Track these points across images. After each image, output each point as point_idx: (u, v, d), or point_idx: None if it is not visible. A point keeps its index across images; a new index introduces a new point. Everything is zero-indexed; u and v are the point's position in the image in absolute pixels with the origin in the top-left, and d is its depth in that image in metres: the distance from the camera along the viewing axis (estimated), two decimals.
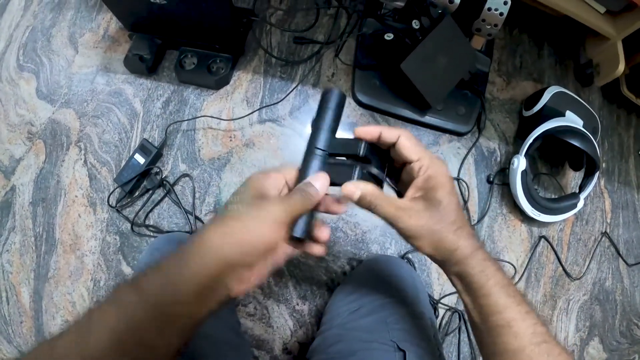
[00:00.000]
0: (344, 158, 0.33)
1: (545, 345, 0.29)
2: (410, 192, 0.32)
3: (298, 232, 0.29)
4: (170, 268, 0.26)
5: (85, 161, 0.71)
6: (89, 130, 0.72)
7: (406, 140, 0.31)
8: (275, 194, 0.30)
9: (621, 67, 0.74)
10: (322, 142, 0.32)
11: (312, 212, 0.31)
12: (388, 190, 0.35)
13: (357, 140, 0.32)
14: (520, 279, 0.66)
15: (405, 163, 0.32)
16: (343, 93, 0.34)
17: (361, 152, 0.31)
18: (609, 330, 0.73)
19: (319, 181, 0.30)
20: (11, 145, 0.74)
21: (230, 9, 0.57)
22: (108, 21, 0.78)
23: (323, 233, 0.31)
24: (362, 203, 0.31)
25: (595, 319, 0.72)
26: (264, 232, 0.27)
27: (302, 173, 0.31)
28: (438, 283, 0.61)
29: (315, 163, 0.31)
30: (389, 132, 0.31)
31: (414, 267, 0.59)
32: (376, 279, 0.50)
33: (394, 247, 0.60)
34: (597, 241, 0.72)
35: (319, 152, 0.32)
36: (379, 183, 0.33)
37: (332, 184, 0.31)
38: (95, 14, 0.81)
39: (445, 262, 0.32)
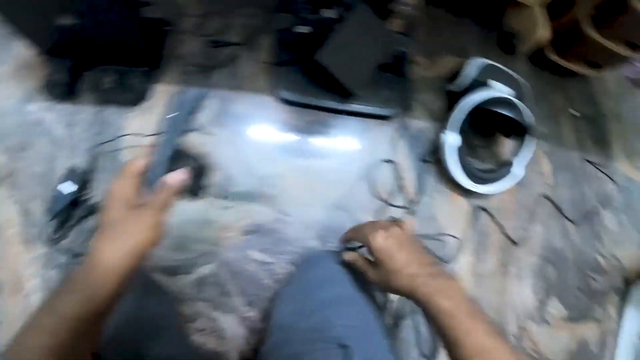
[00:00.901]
0: None
1: None
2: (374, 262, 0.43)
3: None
4: (79, 290, 0.31)
5: (16, 199, 0.68)
6: (16, 164, 0.69)
7: (354, 235, 0.47)
8: (138, 197, 0.37)
9: (544, 33, 0.76)
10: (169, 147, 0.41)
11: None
12: None
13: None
14: (467, 252, 0.67)
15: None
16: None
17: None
18: (565, 288, 0.75)
19: (173, 178, 0.38)
20: None
21: (139, 23, 0.55)
22: (23, 49, 0.75)
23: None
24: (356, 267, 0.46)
25: (550, 280, 0.74)
26: (149, 234, 0.34)
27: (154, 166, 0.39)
28: None
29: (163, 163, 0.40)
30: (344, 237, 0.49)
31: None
32: (315, 276, 0.49)
33: (334, 241, 0.60)
34: (539, 204, 0.74)
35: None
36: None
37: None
38: (8, 44, 0.77)
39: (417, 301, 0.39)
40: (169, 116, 0.41)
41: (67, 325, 0.29)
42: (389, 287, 0.41)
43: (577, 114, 0.81)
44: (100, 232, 0.34)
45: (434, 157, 0.66)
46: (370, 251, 0.42)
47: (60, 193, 0.63)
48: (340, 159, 0.63)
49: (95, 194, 0.63)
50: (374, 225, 0.44)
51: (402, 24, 0.66)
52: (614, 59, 0.83)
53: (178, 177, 0.38)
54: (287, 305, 0.49)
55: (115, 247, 0.32)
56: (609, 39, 0.78)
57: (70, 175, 0.63)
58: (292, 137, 0.63)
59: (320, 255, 0.55)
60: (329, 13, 0.58)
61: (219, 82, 0.63)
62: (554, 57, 0.82)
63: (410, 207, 0.63)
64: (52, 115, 0.69)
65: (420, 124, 0.67)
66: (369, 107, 0.61)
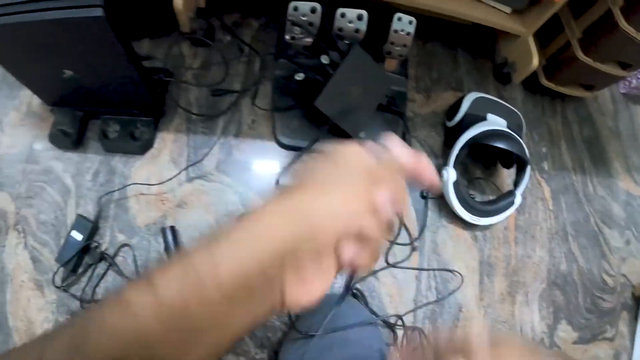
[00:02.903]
0: None
1: None
2: None
3: None
4: (199, 255, 0.19)
5: (25, 244, 0.69)
6: (25, 212, 0.71)
7: None
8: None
9: (536, 61, 0.77)
10: None
11: None
12: None
13: None
14: (472, 284, 0.68)
15: None
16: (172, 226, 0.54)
17: None
18: (574, 310, 0.75)
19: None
20: None
21: (141, 75, 0.57)
22: (30, 97, 0.77)
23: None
24: None
25: (558, 303, 0.74)
26: (346, 202, 0.21)
27: None
28: (391, 306, 0.62)
29: None
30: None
31: (364, 297, 0.60)
32: (317, 323, 0.50)
33: (340, 280, 0.61)
34: (542, 229, 0.75)
35: None
36: None
37: None
38: (16, 91, 0.80)
39: None
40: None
41: (159, 312, 0.18)
42: None
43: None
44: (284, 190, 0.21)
45: (436, 193, 0.67)
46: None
47: (70, 241, 0.65)
48: None
49: (104, 242, 0.64)
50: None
51: (397, 63, 0.67)
52: (607, 79, 0.85)
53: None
54: (292, 350, 0.49)
55: (291, 207, 0.20)
56: (599, 61, 0.79)
57: (79, 224, 0.64)
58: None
59: (326, 299, 0.56)
60: (325, 59, 0.60)
61: (222, 130, 0.65)
62: (547, 83, 0.83)
63: (413, 244, 0.64)
64: (60, 164, 0.71)
65: None
66: None
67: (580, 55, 0.79)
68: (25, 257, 0.69)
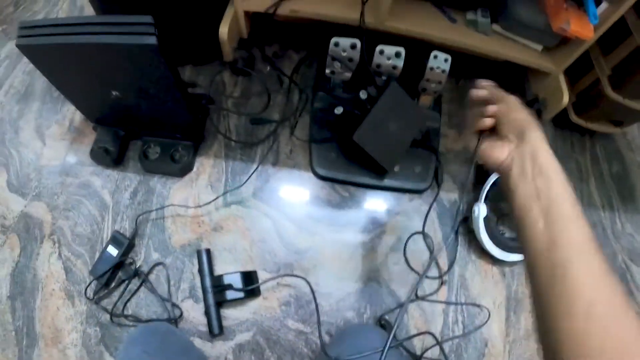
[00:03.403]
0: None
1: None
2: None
3: None
4: None
5: (59, 254, 0.71)
6: (61, 223, 0.73)
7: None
8: None
9: (566, 99, 0.78)
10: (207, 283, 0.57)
11: None
12: None
13: None
14: (499, 319, 0.67)
15: None
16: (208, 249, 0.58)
17: None
18: None
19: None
20: None
21: (187, 102, 0.60)
22: (73, 112, 0.80)
23: None
24: None
25: None
26: None
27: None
28: (418, 339, 0.62)
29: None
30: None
31: (391, 328, 0.60)
32: (350, 347, 0.50)
33: (369, 311, 0.61)
34: None
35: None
36: None
37: None
38: (60, 106, 0.83)
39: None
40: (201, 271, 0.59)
41: None
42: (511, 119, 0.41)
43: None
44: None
45: (464, 227, 0.67)
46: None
47: (106, 255, 0.66)
48: (374, 232, 0.65)
49: (138, 259, 0.66)
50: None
51: (431, 99, 0.69)
52: (636, 115, 0.85)
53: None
54: None
55: None
56: (628, 97, 0.79)
57: (115, 240, 0.66)
58: (327, 212, 0.66)
59: (355, 328, 0.57)
60: (363, 94, 0.62)
61: (260, 158, 0.67)
62: (577, 119, 0.84)
63: (442, 278, 0.64)
64: (99, 180, 0.73)
65: (450, 195, 0.69)
66: (403, 182, 0.64)
67: (610, 92, 0.79)
68: (59, 266, 0.71)
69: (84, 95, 0.68)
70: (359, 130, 0.59)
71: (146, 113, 0.64)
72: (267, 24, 0.67)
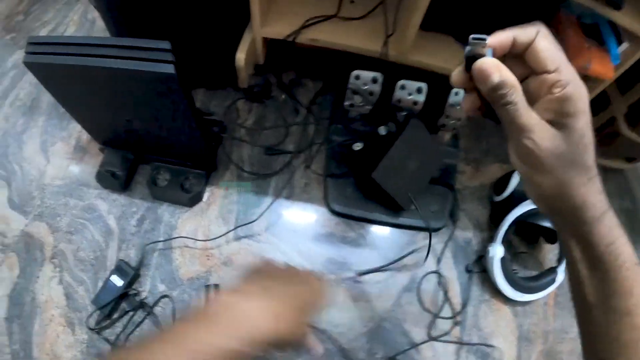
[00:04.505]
0: None
1: None
2: (537, 111, 0.24)
3: None
4: (185, 338, 0.26)
5: (60, 279, 0.69)
6: (63, 246, 0.71)
7: (544, 41, 0.24)
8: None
9: None
10: None
11: None
12: None
13: None
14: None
15: (533, 73, 0.25)
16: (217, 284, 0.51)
17: None
18: None
19: None
20: None
21: (201, 131, 0.58)
22: (79, 131, 0.78)
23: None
24: (495, 93, 0.23)
25: None
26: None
27: None
28: None
29: None
30: (524, 33, 0.24)
31: None
32: None
33: (381, 352, 0.60)
34: None
35: None
36: None
37: None
38: (66, 122, 0.81)
39: (562, 220, 0.27)
40: None
41: None
42: (556, 163, 0.24)
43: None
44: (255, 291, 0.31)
45: (478, 266, 0.66)
46: (552, 88, 0.24)
47: (110, 285, 0.64)
48: (387, 271, 0.64)
49: (144, 290, 0.63)
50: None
51: (450, 135, 0.68)
52: None
53: None
54: None
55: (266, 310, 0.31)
56: None
57: (120, 269, 0.64)
58: (341, 249, 0.64)
59: None
60: (383, 130, 0.60)
61: (274, 190, 0.65)
62: None
63: (455, 318, 0.62)
64: (105, 205, 0.71)
65: (465, 234, 0.68)
66: (418, 221, 0.62)
67: (626, 130, 0.79)
68: (59, 292, 0.69)
69: (92, 117, 0.66)
70: (378, 168, 0.57)
71: (157, 139, 0.63)
72: (284, 51, 0.65)
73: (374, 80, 0.60)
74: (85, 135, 0.77)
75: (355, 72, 0.60)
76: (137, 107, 0.58)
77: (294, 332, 0.32)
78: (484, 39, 0.24)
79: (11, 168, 0.82)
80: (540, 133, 0.24)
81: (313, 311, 0.34)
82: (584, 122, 0.24)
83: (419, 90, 0.61)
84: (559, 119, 0.24)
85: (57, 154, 0.79)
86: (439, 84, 0.64)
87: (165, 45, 0.48)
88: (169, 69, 0.48)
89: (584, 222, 0.25)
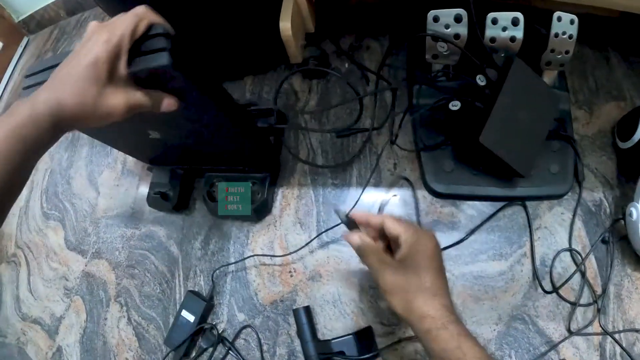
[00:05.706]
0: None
1: None
2: (396, 256, 0.37)
3: None
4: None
5: (129, 319, 0.62)
6: (126, 282, 0.64)
7: (388, 221, 0.38)
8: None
9: None
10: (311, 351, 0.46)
11: None
12: None
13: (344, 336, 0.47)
14: None
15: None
16: (307, 307, 0.48)
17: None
18: None
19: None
20: (50, 302, 0.68)
21: (239, 125, 0.46)
22: (124, 154, 0.71)
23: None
24: (358, 250, 0.39)
25: None
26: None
27: None
28: None
29: None
30: (374, 219, 0.40)
31: None
32: None
33: (515, 358, 0.45)
34: None
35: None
36: None
37: None
38: (109, 148, 0.75)
39: (415, 327, 0.35)
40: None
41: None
42: (399, 289, 0.36)
43: None
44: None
45: (616, 234, 0.50)
46: (397, 242, 0.37)
47: (181, 321, 0.56)
48: (511, 257, 0.50)
49: (221, 322, 0.54)
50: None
51: (555, 75, 0.52)
52: None
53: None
54: None
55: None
56: None
57: (191, 300, 0.55)
58: (452, 238, 0.50)
59: None
60: (481, 79, 0.47)
61: (357, 179, 0.53)
62: None
63: (597, 303, 0.47)
64: (163, 230, 0.63)
65: (595, 195, 0.51)
66: (539, 188, 0.47)
67: None
68: (130, 332, 0.62)
69: (125, 140, 0.57)
70: (485, 130, 0.44)
71: (200, 148, 0.52)
72: (336, 10, 0.53)
73: (458, 19, 0.47)
74: (130, 158, 0.71)
75: (433, 13, 0.47)
76: (157, 117, 0.45)
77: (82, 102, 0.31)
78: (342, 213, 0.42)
79: (63, 207, 0.78)
80: (385, 271, 0.38)
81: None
82: (423, 257, 0.37)
83: (514, 23, 0.47)
84: (407, 258, 0.37)
85: (106, 183, 0.74)
86: (534, 11, 0.50)
87: (158, 29, 0.33)
88: (163, 59, 0.32)
89: (428, 330, 0.34)
